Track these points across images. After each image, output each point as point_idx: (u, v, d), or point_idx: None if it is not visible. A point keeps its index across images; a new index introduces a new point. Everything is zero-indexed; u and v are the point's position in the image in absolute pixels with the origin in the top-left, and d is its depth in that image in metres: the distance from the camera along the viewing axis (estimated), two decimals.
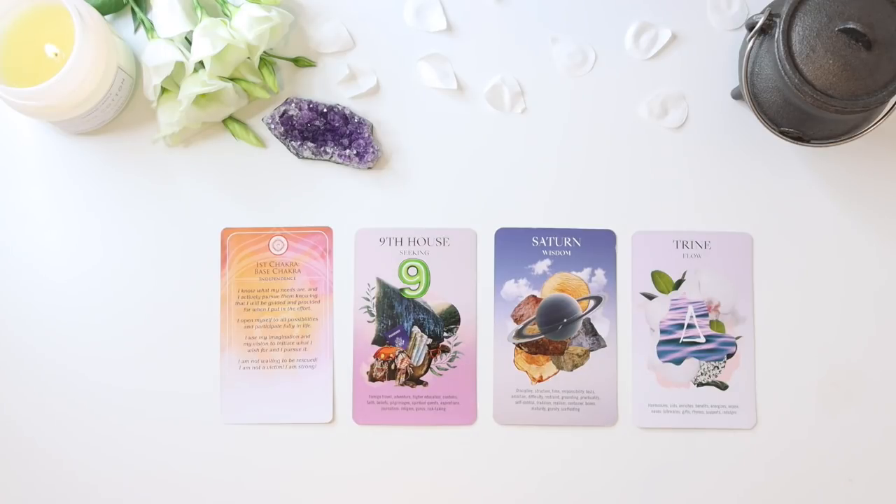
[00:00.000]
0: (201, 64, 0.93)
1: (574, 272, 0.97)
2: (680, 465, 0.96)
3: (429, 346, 0.96)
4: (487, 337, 0.97)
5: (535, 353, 0.96)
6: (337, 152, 0.96)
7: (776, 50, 0.87)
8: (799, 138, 0.92)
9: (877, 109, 0.91)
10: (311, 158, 0.97)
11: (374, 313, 0.96)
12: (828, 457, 0.96)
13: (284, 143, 0.96)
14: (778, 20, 0.87)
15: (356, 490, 0.96)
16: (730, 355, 0.96)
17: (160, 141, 0.96)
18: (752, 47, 0.91)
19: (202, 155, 0.97)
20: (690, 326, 0.96)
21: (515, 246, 0.97)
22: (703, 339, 0.96)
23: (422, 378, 0.96)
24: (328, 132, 0.96)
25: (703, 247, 0.97)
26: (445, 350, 0.96)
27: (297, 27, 0.97)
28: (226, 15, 0.94)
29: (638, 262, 0.97)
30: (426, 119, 0.97)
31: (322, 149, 0.96)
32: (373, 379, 0.96)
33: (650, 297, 0.97)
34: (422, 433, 0.96)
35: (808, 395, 0.96)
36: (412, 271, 0.97)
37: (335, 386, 0.96)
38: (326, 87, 0.97)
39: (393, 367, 0.96)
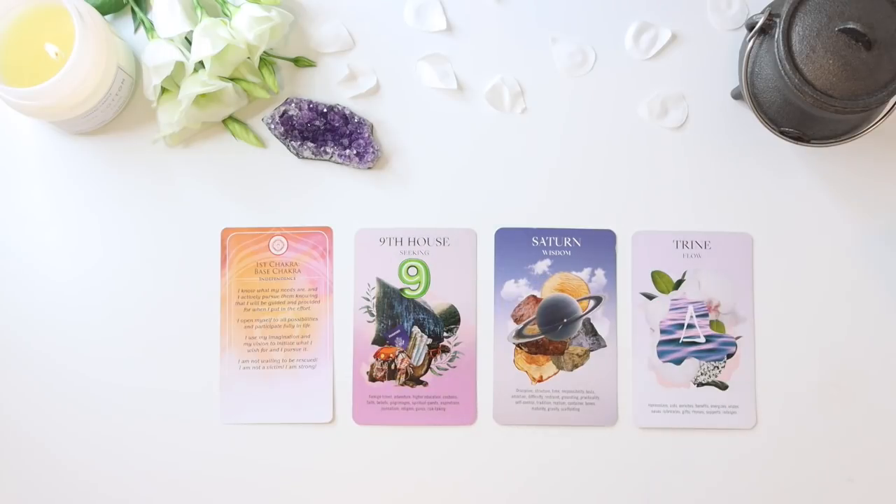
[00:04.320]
0: (201, 64, 0.93)
1: (574, 272, 0.97)
2: (680, 465, 0.96)
3: (429, 346, 0.96)
4: (487, 337, 0.97)
5: (535, 353, 0.96)
6: (337, 152, 0.96)
7: (776, 50, 0.87)
8: (799, 138, 0.92)
9: (877, 109, 0.91)
10: (311, 158, 0.97)
11: (374, 313, 0.96)
12: (828, 457, 0.96)
13: (284, 143, 0.96)
14: (778, 20, 0.87)
15: (356, 490, 0.96)
16: (730, 355, 0.96)
17: (160, 141, 0.96)
18: (752, 47, 0.91)
19: (202, 155, 0.97)
20: (690, 326, 0.96)
21: (515, 246, 0.97)
22: (703, 339, 0.96)
23: (422, 378, 0.96)
24: (328, 132, 0.96)
25: (703, 247, 0.97)
26: (445, 350, 0.96)
27: (297, 27, 0.98)
28: (226, 15, 0.94)
29: (638, 262, 0.97)
30: (426, 119, 0.97)
31: (322, 149, 0.96)
32: (373, 379, 0.96)
33: (650, 297, 0.97)
34: (422, 433, 0.96)
35: (808, 395, 0.96)
36: (412, 271, 0.97)
37: (335, 386, 0.96)
38: (326, 87, 0.97)
39: (393, 367, 0.96)
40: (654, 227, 0.97)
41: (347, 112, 0.96)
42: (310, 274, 0.97)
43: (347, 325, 0.97)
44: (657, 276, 0.97)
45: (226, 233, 0.97)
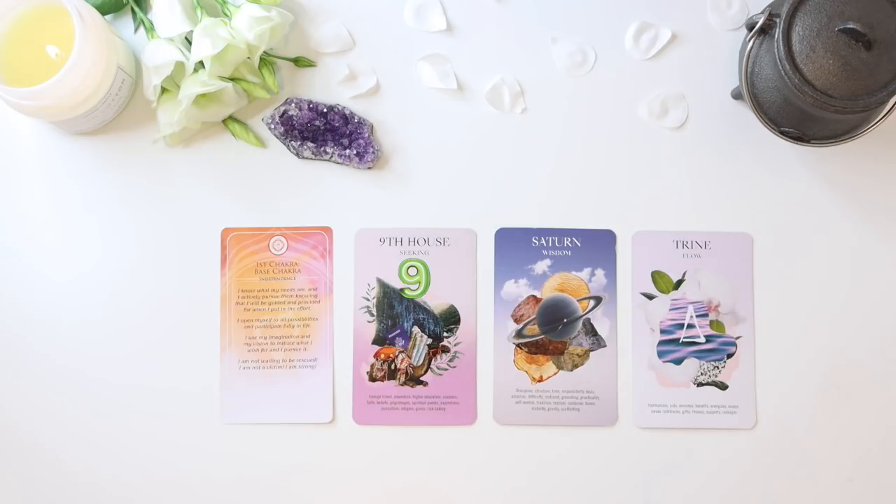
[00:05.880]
0: (201, 64, 0.93)
1: (574, 272, 0.97)
2: (680, 465, 0.96)
3: (429, 346, 0.96)
4: (487, 337, 0.97)
5: (535, 353, 0.96)
6: (337, 152, 0.96)
7: (776, 50, 0.87)
8: (799, 138, 0.92)
9: (877, 109, 0.91)
10: (311, 158, 0.97)
11: (374, 313, 0.96)
12: (828, 456, 0.96)
13: (284, 143, 0.96)
14: (778, 20, 0.87)
15: (356, 490, 0.96)
16: (730, 355, 0.96)
17: (160, 141, 0.96)
18: (752, 47, 0.91)
19: (202, 155, 0.97)
20: (690, 326, 0.96)
21: (515, 246, 0.97)
22: (703, 339, 0.96)
23: (422, 378, 0.96)
24: (328, 132, 0.96)
25: (703, 247, 0.97)
26: (445, 350, 0.96)
27: (297, 27, 0.98)
28: (226, 15, 0.94)
29: (638, 262, 0.97)
30: (426, 119, 0.97)
31: (322, 149, 0.96)
32: (373, 379, 0.96)
33: (650, 297, 0.97)
34: (422, 433, 0.96)
35: (808, 395, 0.96)
36: (412, 271, 0.97)
37: (335, 386, 0.96)
38: (326, 87, 0.97)
39: (393, 367, 0.96)
40: (654, 227, 0.97)
41: (347, 112, 0.96)
42: (310, 274, 0.97)
43: (347, 325, 0.97)
44: (657, 276, 0.97)
45: (226, 233, 0.97)
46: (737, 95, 0.97)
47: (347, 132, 0.96)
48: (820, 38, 0.86)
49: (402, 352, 0.96)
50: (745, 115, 0.97)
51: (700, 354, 0.96)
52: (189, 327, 0.96)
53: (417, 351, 0.96)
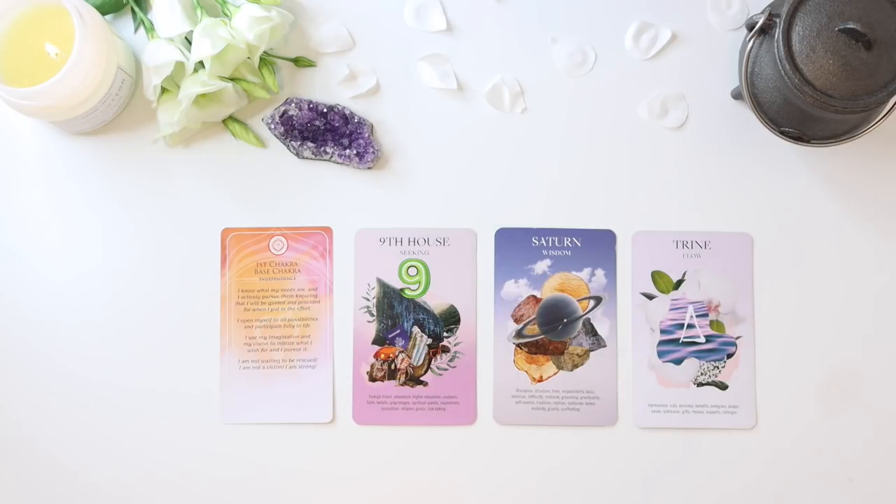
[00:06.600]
0: (201, 64, 0.93)
1: (574, 272, 0.97)
2: (680, 465, 0.96)
3: (429, 346, 0.96)
4: (487, 337, 0.97)
5: (535, 353, 0.96)
6: (337, 152, 0.96)
7: (776, 50, 0.87)
8: (799, 138, 0.92)
9: (877, 109, 0.91)
10: (311, 158, 0.97)
11: (374, 313, 0.96)
12: (828, 456, 0.96)
13: (284, 143, 0.96)
14: (778, 20, 0.87)
15: (356, 490, 0.96)
16: (730, 355, 0.96)
17: (160, 141, 0.96)
18: (752, 47, 0.91)
19: (202, 155, 0.97)
20: (690, 326, 0.96)
21: (515, 246, 0.97)
22: (703, 339, 0.96)
23: (422, 378, 0.96)
24: (328, 132, 0.96)
25: (703, 247, 0.97)
26: (445, 350, 0.96)
27: (297, 27, 0.98)
28: (226, 15, 0.94)
29: (638, 262, 0.97)
30: (426, 119, 0.97)
31: (322, 149, 0.96)
32: (373, 379, 0.96)
33: (650, 297, 0.97)
34: (422, 433, 0.96)
35: (808, 395, 0.96)
36: (412, 271, 0.97)
37: (335, 386, 0.96)
38: (326, 87, 0.97)
39: (393, 367, 0.96)
40: (654, 227, 0.97)
41: (347, 112, 0.96)
42: (310, 274, 0.97)
43: (347, 325, 0.97)
44: (657, 276, 0.97)
45: (226, 233, 0.97)
46: (737, 95, 0.97)
47: (347, 132, 0.96)
48: (820, 38, 0.86)
49: (402, 352, 0.96)
50: (745, 115, 0.97)
51: (700, 354, 0.96)
52: (189, 327, 0.96)
53: (417, 351, 0.96)
